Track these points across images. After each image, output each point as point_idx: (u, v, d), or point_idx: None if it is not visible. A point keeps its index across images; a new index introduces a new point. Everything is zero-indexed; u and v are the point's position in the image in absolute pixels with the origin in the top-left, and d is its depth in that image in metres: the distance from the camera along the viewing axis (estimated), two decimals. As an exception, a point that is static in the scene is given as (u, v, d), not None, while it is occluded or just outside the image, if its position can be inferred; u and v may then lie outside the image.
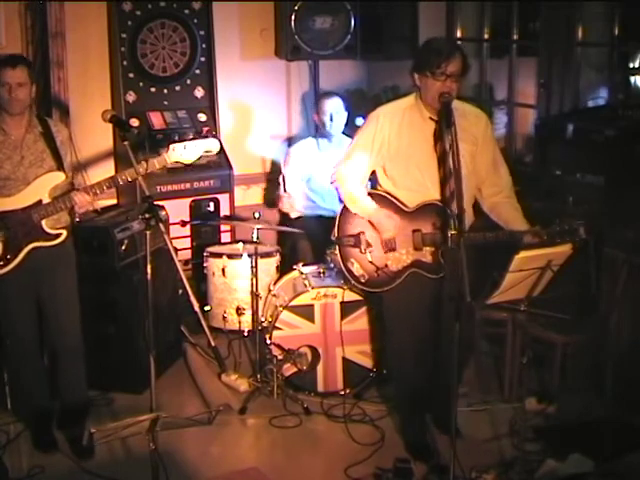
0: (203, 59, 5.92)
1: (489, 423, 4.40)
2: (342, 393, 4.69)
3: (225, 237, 5.90)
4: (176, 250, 4.09)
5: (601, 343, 4.52)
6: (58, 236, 4.01)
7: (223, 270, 5.37)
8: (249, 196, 6.38)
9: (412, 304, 3.96)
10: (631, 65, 6.02)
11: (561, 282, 3.82)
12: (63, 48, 5.53)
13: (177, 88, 5.88)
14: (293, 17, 5.93)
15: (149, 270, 3.71)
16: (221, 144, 5.64)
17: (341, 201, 4.08)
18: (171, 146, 3.89)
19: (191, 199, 5.77)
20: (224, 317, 5.38)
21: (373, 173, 4.02)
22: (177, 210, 5.61)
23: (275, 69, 6.31)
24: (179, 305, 5.11)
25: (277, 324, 4.64)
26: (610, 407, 4.37)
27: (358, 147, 3.96)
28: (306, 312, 4.65)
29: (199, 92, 5.95)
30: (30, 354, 4.19)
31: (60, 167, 3.98)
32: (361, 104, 6.27)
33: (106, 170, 5.67)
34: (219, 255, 5.42)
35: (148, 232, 3.73)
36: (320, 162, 5.60)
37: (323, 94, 5.75)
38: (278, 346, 4.64)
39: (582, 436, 4.11)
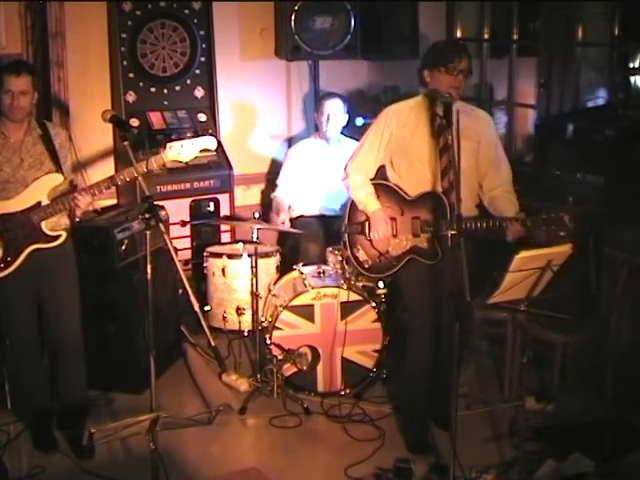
0: (203, 59, 5.92)
1: (489, 423, 4.40)
2: (342, 393, 4.69)
3: (225, 237, 5.90)
4: (176, 250, 4.09)
5: (601, 343, 4.52)
6: (58, 237, 4.01)
7: (223, 270, 5.37)
8: (249, 196, 6.39)
9: (418, 287, 4.09)
10: (631, 65, 6.01)
11: (561, 282, 3.82)
12: (63, 48, 5.53)
13: (177, 88, 5.88)
14: (293, 17, 5.93)
15: (149, 270, 3.71)
16: (220, 143, 5.66)
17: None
18: (168, 145, 3.90)
19: (191, 199, 5.77)
20: (224, 317, 5.38)
21: (382, 167, 4.19)
22: (177, 210, 5.62)
23: (275, 69, 6.31)
24: (179, 305, 5.11)
25: (277, 324, 4.64)
26: (610, 407, 4.37)
27: (368, 142, 4.17)
28: (306, 312, 4.65)
29: (199, 92, 5.95)
30: (30, 354, 4.19)
31: (59, 169, 3.98)
32: (361, 104, 6.28)
33: (106, 170, 5.67)
34: (219, 255, 5.42)
35: (148, 232, 3.73)
36: (320, 163, 5.60)
37: (324, 95, 5.75)
38: (278, 346, 4.64)
39: (582, 436, 4.11)
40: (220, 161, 5.82)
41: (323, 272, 4.83)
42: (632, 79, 6.00)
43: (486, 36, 6.35)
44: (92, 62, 5.78)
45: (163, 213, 5.01)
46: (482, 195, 4.13)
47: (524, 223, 3.86)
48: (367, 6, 6.20)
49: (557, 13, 5.60)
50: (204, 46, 5.90)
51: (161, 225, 3.78)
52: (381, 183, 4.17)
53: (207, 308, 5.41)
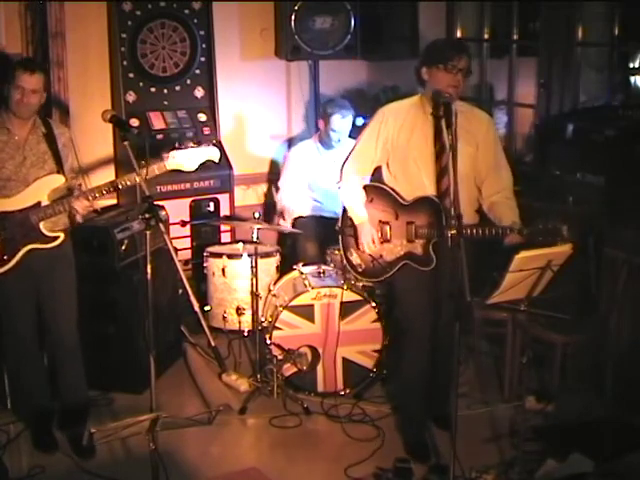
0: (203, 59, 5.92)
1: (489, 423, 4.40)
2: (342, 393, 4.69)
3: (225, 237, 5.90)
4: (176, 250, 4.09)
5: (601, 343, 4.52)
6: (55, 239, 4.01)
7: (223, 270, 5.37)
8: (249, 196, 6.38)
9: (413, 293, 4.05)
10: (631, 65, 6.02)
11: (561, 282, 3.82)
12: (63, 48, 5.53)
13: (177, 88, 5.88)
14: (293, 17, 5.93)
15: (149, 270, 3.70)
16: (220, 143, 5.65)
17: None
18: (171, 153, 3.90)
19: (191, 199, 5.77)
20: (224, 317, 5.38)
21: (378, 168, 4.13)
22: (177, 210, 5.62)
23: (275, 69, 6.31)
24: (179, 305, 5.11)
25: (277, 324, 4.64)
26: (610, 407, 4.37)
27: (363, 143, 4.10)
28: (306, 312, 4.65)
29: (199, 92, 5.94)
30: (30, 354, 4.19)
31: (60, 170, 3.99)
32: (361, 104, 6.27)
33: (106, 170, 5.68)
34: (219, 255, 5.42)
35: (148, 232, 3.72)
36: (320, 165, 5.60)
37: (336, 108, 5.50)
38: (278, 346, 4.64)
39: (582, 436, 4.11)
40: (220, 161, 5.81)
41: (323, 272, 4.83)
42: (632, 79, 6.01)
43: (486, 36, 6.36)
44: (92, 62, 5.78)
45: (163, 213, 5.01)
46: (481, 201, 4.04)
47: (521, 233, 3.79)
48: (367, 6, 6.20)
49: (557, 13, 5.61)
50: (204, 46, 5.90)
51: (161, 225, 3.77)
52: (376, 186, 4.12)
53: (207, 308, 5.41)
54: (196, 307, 3.88)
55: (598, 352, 4.56)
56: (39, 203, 3.93)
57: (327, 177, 5.54)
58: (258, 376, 4.76)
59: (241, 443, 4.41)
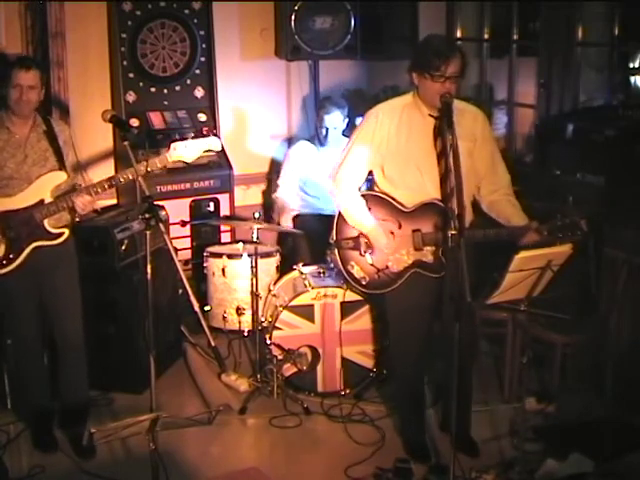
0: (203, 59, 5.92)
1: (489, 423, 4.40)
2: (342, 393, 4.69)
3: (225, 237, 5.90)
4: (176, 250, 4.08)
5: (601, 343, 4.52)
6: (60, 235, 4.01)
7: (223, 270, 5.37)
8: (249, 196, 6.38)
9: (414, 304, 3.95)
10: (631, 65, 6.02)
11: (561, 282, 3.81)
12: (63, 48, 5.53)
13: (177, 88, 5.88)
14: (293, 17, 5.93)
15: (149, 270, 3.70)
16: (222, 148, 5.65)
17: None
18: (172, 145, 3.90)
19: (191, 199, 5.77)
20: (224, 317, 5.38)
21: (370, 174, 3.98)
22: (177, 210, 5.62)
23: (275, 69, 6.31)
24: (179, 305, 5.10)
25: (277, 324, 4.64)
26: (610, 407, 4.37)
27: (357, 146, 3.91)
28: (306, 312, 4.65)
29: (199, 92, 5.94)
30: (31, 353, 4.19)
31: (62, 167, 3.99)
32: (361, 104, 6.26)
33: (106, 170, 5.67)
34: (219, 255, 5.42)
35: (148, 232, 3.73)
36: (319, 163, 5.61)
37: (324, 103, 5.63)
38: (278, 346, 4.64)
39: (582, 436, 4.11)
40: (220, 161, 5.82)
41: (323, 272, 4.82)
42: (632, 79, 6.01)
43: (486, 36, 6.36)
44: (92, 62, 5.78)
45: (163, 213, 5.01)
46: (479, 199, 3.97)
47: (540, 232, 3.73)
48: (367, 6, 6.20)
49: (557, 13, 5.61)
50: (204, 46, 5.90)
51: (161, 225, 3.78)
52: (372, 194, 3.94)
53: (207, 308, 5.41)
54: (196, 307, 3.88)
55: (598, 352, 4.56)
56: (42, 201, 3.93)
57: (325, 175, 5.54)
58: (258, 376, 4.76)
59: (241, 443, 4.41)
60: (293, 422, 4.47)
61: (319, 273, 4.83)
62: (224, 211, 5.88)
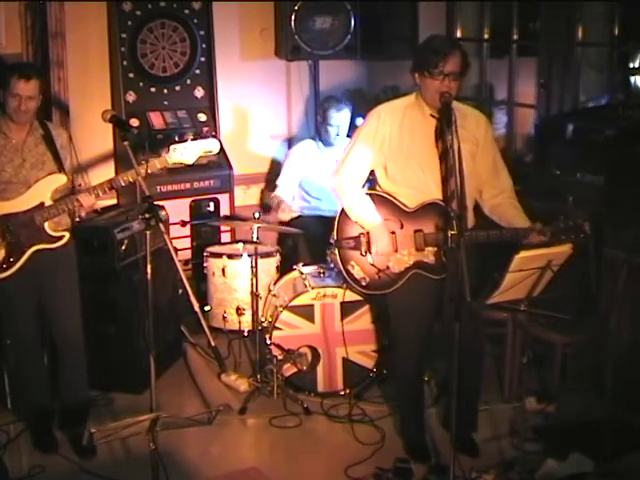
0: (203, 59, 5.92)
1: (489, 423, 4.40)
2: (342, 393, 4.69)
3: (225, 237, 5.90)
4: (176, 250, 4.08)
5: (601, 343, 4.52)
6: (60, 238, 4.01)
7: (223, 270, 5.37)
8: (249, 196, 6.38)
9: (415, 305, 3.94)
10: (631, 65, 6.01)
11: (561, 282, 3.81)
12: (63, 48, 5.53)
13: (177, 88, 5.88)
14: (293, 17, 5.93)
15: (149, 270, 3.70)
16: (221, 144, 5.65)
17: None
18: (171, 147, 3.90)
19: (191, 199, 5.77)
20: (224, 317, 5.38)
21: (372, 173, 3.99)
22: (177, 210, 5.62)
23: (275, 69, 6.31)
24: (179, 305, 5.10)
25: (277, 324, 4.64)
26: (610, 407, 4.37)
27: (359, 146, 3.92)
28: (306, 312, 4.65)
29: (199, 92, 5.94)
30: (31, 354, 4.19)
31: (61, 169, 3.99)
32: (361, 104, 6.26)
33: (106, 170, 5.67)
34: (219, 255, 5.42)
35: (148, 232, 3.73)
36: (320, 163, 5.60)
37: (332, 102, 5.59)
38: (278, 346, 4.64)
39: (582, 436, 4.11)
40: (220, 161, 5.82)
41: (323, 272, 4.82)
42: (632, 79, 6.01)
43: (486, 36, 6.35)
44: (92, 62, 5.78)
45: (163, 213, 5.01)
46: (481, 202, 3.97)
47: (543, 234, 3.72)
48: (367, 6, 6.20)
49: (557, 13, 5.61)
50: (204, 46, 5.90)
51: (161, 225, 3.78)
52: (375, 194, 3.94)
53: (207, 308, 5.41)
54: (196, 307, 3.88)
55: (598, 352, 4.55)
56: (42, 204, 3.93)
57: (326, 175, 5.54)
58: (258, 376, 4.76)
59: (241, 443, 4.41)
60: (293, 422, 4.47)
61: (319, 273, 4.83)
62: (224, 211, 5.89)
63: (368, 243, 3.93)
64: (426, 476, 3.92)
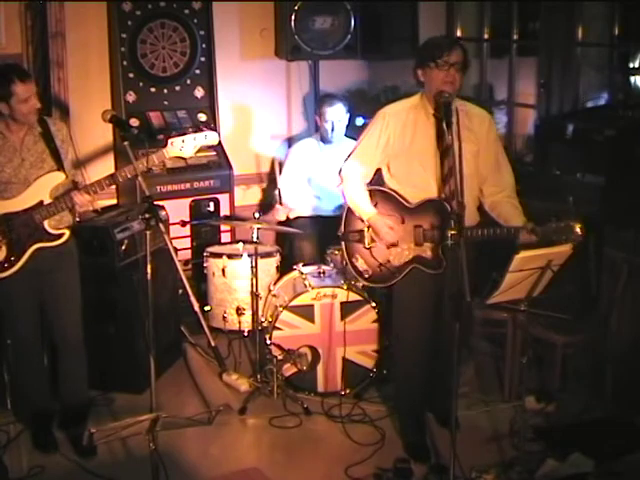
0: (203, 59, 5.91)
1: (489, 423, 4.40)
2: (342, 393, 4.69)
3: (225, 237, 5.90)
4: (176, 250, 4.09)
5: (601, 343, 4.52)
6: (61, 236, 4.01)
7: (223, 270, 5.37)
8: (249, 196, 6.38)
9: (416, 299, 4.02)
10: (631, 65, 6.01)
11: (561, 282, 3.81)
12: (63, 48, 5.53)
13: (177, 88, 5.88)
14: (293, 17, 5.93)
15: (149, 270, 3.71)
16: (220, 143, 5.65)
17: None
18: (169, 140, 3.90)
19: (191, 199, 5.77)
20: (224, 317, 5.37)
21: (379, 171, 4.08)
22: (177, 210, 5.62)
23: (275, 69, 6.30)
24: (179, 305, 5.11)
25: (277, 324, 4.64)
26: (610, 407, 4.37)
27: (364, 145, 4.03)
28: (306, 312, 4.65)
29: (199, 92, 5.94)
30: (31, 354, 4.19)
31: (60, 167, 3.98)
32: (361, 104, 6.27)
33: (106, 170, 5.57)
34: (219, 255, 5.42)
35: (148, 232, 3.73)
36: (320, 162, 5.60)
37: (325, 99, 5.66)
38: (278, 346, 4.64)
39: (582, 436, 4.11)
40: (220, 161, 5.82)
41: (323, 272, 4.83)
42: (632, 79, 6.00)
43: (486, 36, 6.36)
44: (92, 62, 5.77)
45: (163, 213, 5.01)
46: (482, 199, 4.02)
47: (534, 233, 3.75)
48: (367, 6, 6.20)
49: (557, 13, 5.61)
50: (204, 46, 5.90)
51: (161, 225, 3.78)
52: (379, 189, 4.05)
53: (207, 308, 5.41)
54: (196, 307, 3.88)
55: (598, 352, 4.56)
56: (42, 202, 3.93)
57: (327, 174, 5.55)
58: (258, 376, 4.76)
59: (241, 443, 4.41)
60: (293, 422, 4.47)
61: (319, 273, 4.83)
62: (224, 211, 5.88)
63: (371, 237, 4.05)
64: (426, 476, 3.92)
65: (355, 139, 5.32)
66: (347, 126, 5.63)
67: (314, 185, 5.65)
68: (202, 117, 5.90)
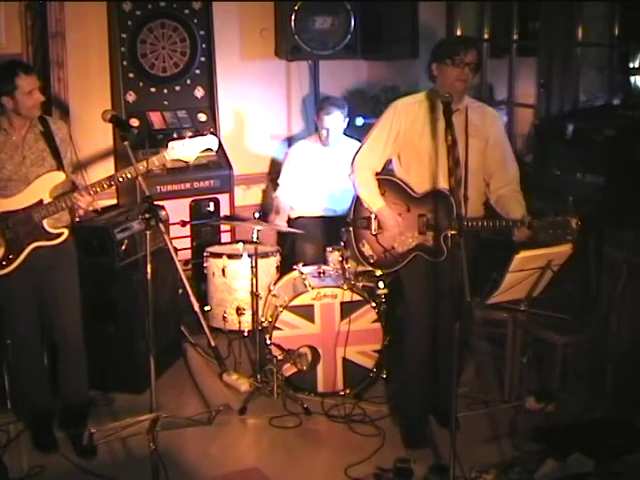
0: (203, 59, 5.91)
1: (489, 423, 4.40)
2: (342, 393, 4.69)
3: (225, 237, 5.90)
4: (176, 250, 4.09)
5: (601, 343, 4.52)
6: (60, 235, 4.01)
7: (223, 270, 5.37)
8: (249, 196, 6.39)
9: (424, 285, 4.09)
10: (631, 65, 6.01)
11: (561, 282, 3.81)
12: (63, 48, 5.53)
13: (177, 88, 5.88)
14: (293, 17, 5.93)
15: (149, 270, 3.71)
16: (220, 143, 5.65)
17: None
18: (170, 144, 3.90)
19: (191, 199, 5.77)
20: (224, 317, 5.37)
21: (389, 161, 4.18)
22: (177, 210, 5.62)
23: (275, 69, 6.31)
24: (179, 305, 5.11)
25: (277, 324, 4.64)
26: (610, 407, 4.37)
27: (375, 137, 4.13)
28: (306, 312, 4.65)
29: (199, 92, 5.94)
30: (31, 353, 4.19)
31: (60, 166, 3.98)
32: (361, 104, 6.28)
33: (106, 170, 5.65)
34: (219, 255, 5.42)
35: (148, 232, 3.73)
36: (319, 163, 5.61)
37: (324, 104, 5.61)
38: (278, 346, 4.64)
39: (582, 436, 4.11)
40: (220, 161, 5.82)
41: (323, 272, 4.83)
42: (632, 79, 6.00)
43: (486, 36, 6.34)
44: (92, 62, 5.77)
45: (163, 213, 5.01)
46: (488, 194, 4.10)
47: (530, 226, 3.79)
48: (367, 6, 6.20)
49: (557, 13, 5.60)
50: (204, 46, 5.90)
51: (161, 225, 3.78)
52: (387, 178, 4.16)
53: (207, 308, 5.41)
54: (196, 307, 3.88)
55: (598, 352, 4.55)
56: (41, 201, 3.93)
57: (326, 176, 5.55)
58: (258, 376, 4.76)
59: (241, 443, 4.41)
60: (293, 422, 4.47)
61: (319, 273, 4.83)
62: (224, 211, 5.88)
63: (378, 224, 4.16)
64: (426, 476, 3.92)
65: (355, 139, 5.35)
66: (347, 126, 5.63)
67: (313, 186, 5.65)
68: (202, 117, 5.91)
